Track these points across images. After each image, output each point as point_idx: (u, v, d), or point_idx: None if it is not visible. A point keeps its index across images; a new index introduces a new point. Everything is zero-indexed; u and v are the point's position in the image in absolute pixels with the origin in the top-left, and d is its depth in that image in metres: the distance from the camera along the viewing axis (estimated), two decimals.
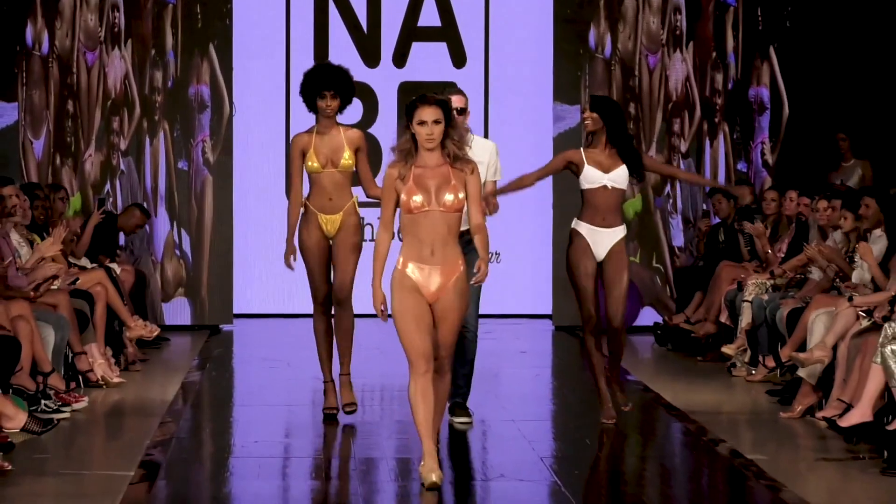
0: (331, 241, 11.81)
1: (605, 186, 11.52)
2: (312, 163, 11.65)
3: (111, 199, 18.05)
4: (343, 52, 18.52)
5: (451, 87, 11.86)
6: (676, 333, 16.40)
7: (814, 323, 12.62)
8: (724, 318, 15.36)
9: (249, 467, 10.67)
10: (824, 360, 12.10)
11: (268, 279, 18.72)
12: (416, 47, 18.99)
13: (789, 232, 15.14)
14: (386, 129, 17.93)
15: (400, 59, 18.94)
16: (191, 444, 11.65)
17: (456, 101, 11.11)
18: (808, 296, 13.42)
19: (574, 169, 11.59)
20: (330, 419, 11.80)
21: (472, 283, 9.56)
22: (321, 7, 18.89)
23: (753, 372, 14.34)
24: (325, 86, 11.63)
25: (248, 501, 9.60)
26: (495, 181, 11.76)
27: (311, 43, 18.91)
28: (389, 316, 9.49)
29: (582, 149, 11.71)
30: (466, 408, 11.84)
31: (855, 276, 12.65)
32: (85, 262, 15.31)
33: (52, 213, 15.14)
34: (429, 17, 18.93)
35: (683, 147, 18.29)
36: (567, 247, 11.76)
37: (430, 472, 9.34)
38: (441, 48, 18.90)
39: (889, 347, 10.55)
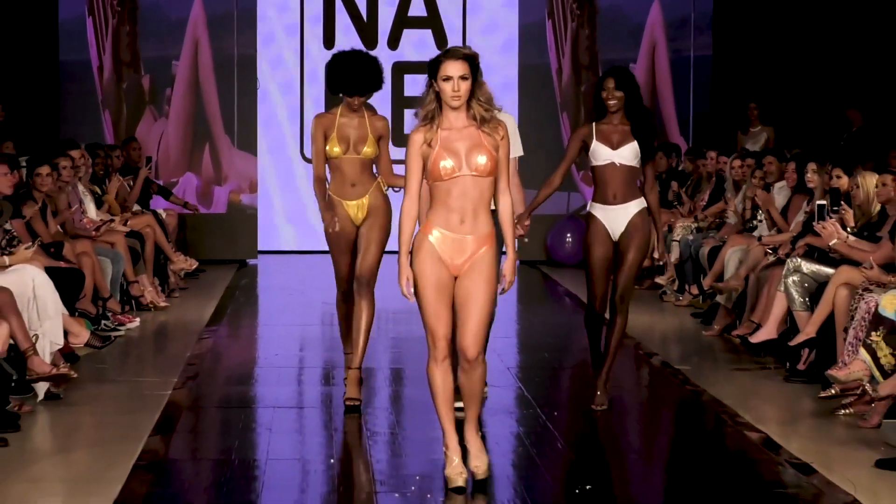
0: (358, 227, 9.25)
1: (613, 164, 9.15)
2: (333, 147, 9.13)
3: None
4: (346, 36, 18.51)
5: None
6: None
7: (729, 258, 12.65)
8: (657, 254, 15.34)
9: (271, 375, 10.68)
10: (738, 289, 12.13)
11: (286, 222, 18.73)
12: (407, 33, 18.93)
13: (710, 185, 15.15)
14: (381, 101, 17.95)
15: (393, 42, 18.87)
16: (223, 357, 11.66)
17: None
18: (725, 236, 13.45)
19: (584, 146, 9.25)
20: (353, 410, 9.15)
21: (500, 292, 7.24)
22: (329, 0, 18.85)
23: (680, 298, 14.37)
24: (352, 91, 9.12)
25: (270, 403, 9.60)
26: (515, 158, 9.30)
27: (321, 28, 18.86)
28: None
29: (594, 123, 9.25)
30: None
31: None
32: (137, 208, 15.32)
33: (110, 169, 15.16)
34: (417, 8, 18.89)
35: None
36: (584, 230, 9.36)
37: (458, 475, 7.22)
38: (427, 34, 18.83)
39: (790, 278, 10.56)
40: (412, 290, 7.11)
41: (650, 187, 9.30)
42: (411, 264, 7.13)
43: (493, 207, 7.30)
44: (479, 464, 7.27)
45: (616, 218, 9.20)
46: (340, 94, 9.22)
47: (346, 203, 9.20)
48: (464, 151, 7.04)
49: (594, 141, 9.16)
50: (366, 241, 9.23)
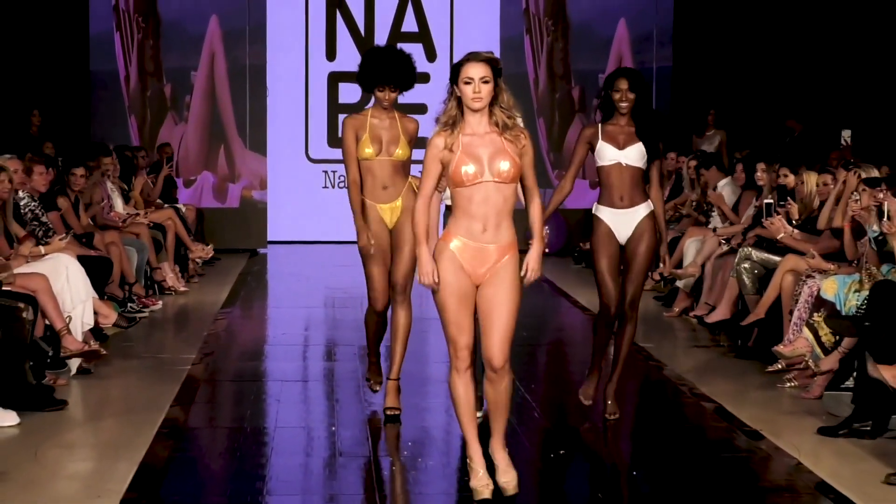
0: (391, 231, 8.02)
1: (619, 164, 7.93)
2: (366, 148, 7.89)
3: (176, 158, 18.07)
4: (346, 48, 18.49)
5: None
6: (588, 255, 16.37)
7: (687, 247, 12.66)
8: None
9: (279, 352, 10.66)
10: (695, 275, 12.13)
11: (293, 215, 18.71)
12: (400, 46, 18.85)
13: (670, 182, 15.15)
14: None
15: None
16: (236, 335, 11.64)
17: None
18: (684, 228, 13.45)
19: (590, 146, 8.05)
20: (393, 420, 8.01)
21: (524, 282, 6.32)
22: (331, 17, 18.81)
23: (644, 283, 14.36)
24: (385, 81, 7.90)
25: (279, 376, 9.59)
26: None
27: (324, 42, 18.84)
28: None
29: (599, 124, 8.04)
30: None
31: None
32: (159, 202, 15.31)
33: (136, 168, 15.15)
34: (409, 24, 18.87)
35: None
36: (590, 233, 8.17)
37: (484, 486, 6.29)
38: (418, 47, 18.79)
39: (742, 265, 10.57)
40: (437, 279, 6.19)
41: (656, 189, 8.10)
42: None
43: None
44: (508, 479, 6.32)
45: (623, 222, 8.00)
46: (373, 91, 7.99)
47: (380, 206, 7.98)
48: (486, 157, 6.17)
49: (599, 141, 7.98)
50: (399, 243, 8.01)
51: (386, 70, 7.89)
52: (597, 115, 8.32)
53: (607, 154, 7.95)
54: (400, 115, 8.02)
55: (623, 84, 7.94)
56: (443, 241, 6.24)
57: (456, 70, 6.22)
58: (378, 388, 8.40)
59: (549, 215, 7.77)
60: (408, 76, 7.94)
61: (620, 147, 7.93)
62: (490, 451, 6.34)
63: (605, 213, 8.02)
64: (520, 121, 6.40)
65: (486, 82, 6.15)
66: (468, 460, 6.37)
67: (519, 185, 6.41)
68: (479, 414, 6.96)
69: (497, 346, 6.21)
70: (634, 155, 7.94)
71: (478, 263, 6.20)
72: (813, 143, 15.99)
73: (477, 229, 6.17)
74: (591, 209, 8.11)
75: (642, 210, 7.99)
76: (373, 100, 8.01)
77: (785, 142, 16.57)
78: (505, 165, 6.15)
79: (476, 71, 6.15)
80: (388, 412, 8.05)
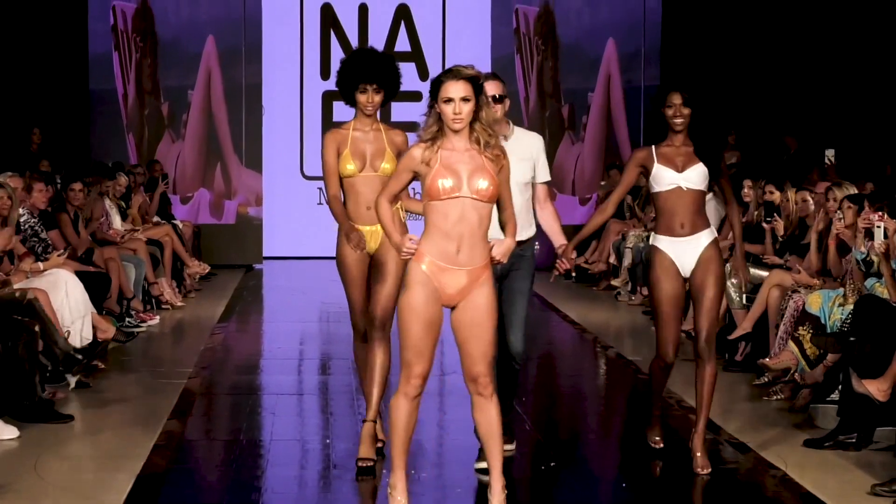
0: (371, 256, 7.23)
1: (679, 188, 7.03)
2: (348, 164, 7.08)
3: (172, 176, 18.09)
4: None
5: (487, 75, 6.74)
6: (578, 270, 16.43)
7: None
8: (612, 260, 15.38)
9: (274, 366, 10.66)
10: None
11: (288, 231, 18.72)
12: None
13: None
14: None
15: None
16: (232, 350, 11.62)
17: (491, 87, 6.78)
18: None
19: (643, 171, 7.16)
20: (366, 473, 7.05)
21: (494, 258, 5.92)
22: (325, 36, 18.85)
23: (633, 298, 14.38)
24: (366, 78, 7.10)
25: (274, 389, 9.58)
26: (546, 183, 7.33)
27: (318, 61, 18.88)
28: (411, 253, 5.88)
29: (653, 146, 7.14)
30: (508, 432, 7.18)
31: None
32: (156, 219, 15.32)
33: (133, 185, 15.16)
34: (402, 44, 18.90)
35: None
36: (648, 266, 7.33)
37: None
38: (411, 66, 18.81)
39: (729, 280, 10.57)
40: (413, 244, 5.88)
41: (732, 208, 7.35)
42: (403, 287, 5.90)
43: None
44: None
45: (685, 251, 7.13)
46: (354, 99, 7.19)
47: (359, 228, 7.16)
48: (465, 173, 5.82)
49: (655, 164, 7.09)
50: (381, 277, 7.19)
51: (366, 67, 7.12)
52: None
53: (665, 178, 7.08)
54: (386, 128, 7.25)
55: (676, 99, 7.17)
56: (415, 262, 5.86)
57: (436, 87, 5.89)
58: (370, 463, 7.12)
59: (584, 238, 7.43)
60: (390, 74, 7.17)
61: (679, 170, 7.07)
62: (489, 492, 5.99)
63: (664, 243, 7.15)
64: (503, 139, 6.04)
65: (466, 101, 5.83)
66: (389, 489, 6.04)
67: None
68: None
69: (482, 361, 5.88)
70: (696, 177, 7.08)
71: (450, 286, 5.84)
72: (805, 160, 16.02)
73: (451, 250, 5.81)
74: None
75: (705, 238, 7.15)
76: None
77: (782, 159, 16.58)
78: (483, 184, 5.81)
79: (456, 90, 5.83)
80: (360, 463, 7.07)
